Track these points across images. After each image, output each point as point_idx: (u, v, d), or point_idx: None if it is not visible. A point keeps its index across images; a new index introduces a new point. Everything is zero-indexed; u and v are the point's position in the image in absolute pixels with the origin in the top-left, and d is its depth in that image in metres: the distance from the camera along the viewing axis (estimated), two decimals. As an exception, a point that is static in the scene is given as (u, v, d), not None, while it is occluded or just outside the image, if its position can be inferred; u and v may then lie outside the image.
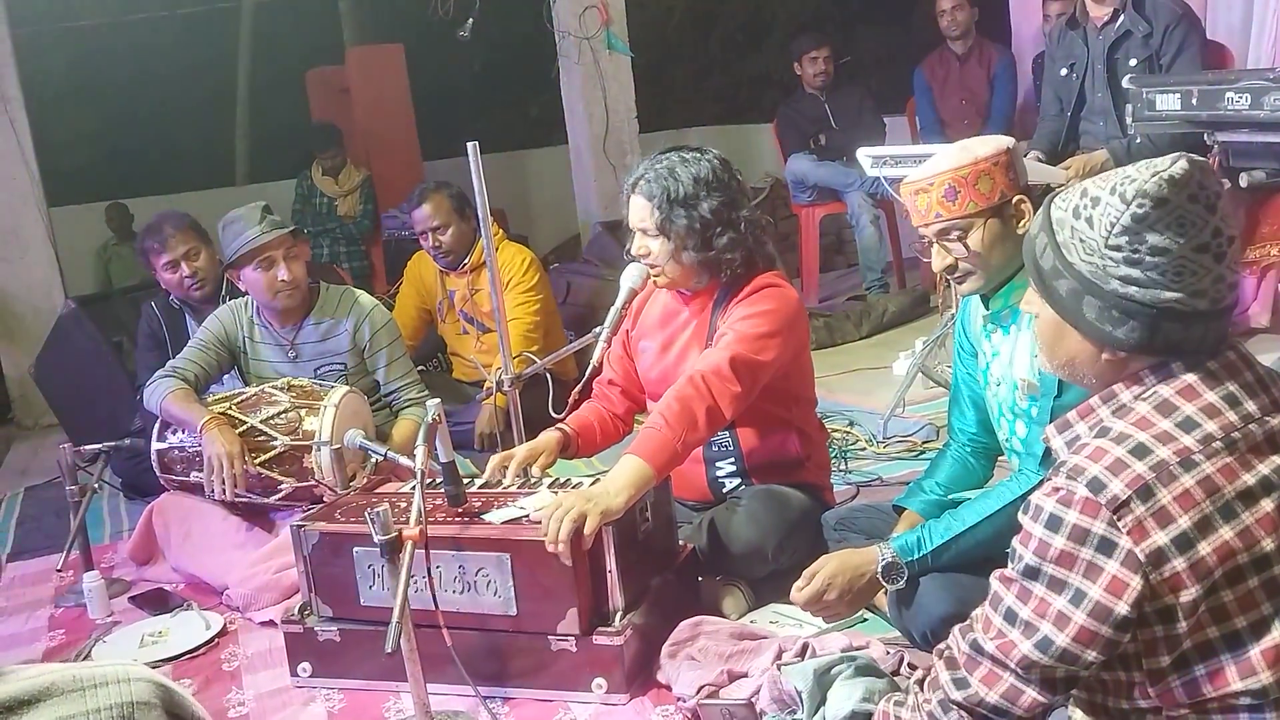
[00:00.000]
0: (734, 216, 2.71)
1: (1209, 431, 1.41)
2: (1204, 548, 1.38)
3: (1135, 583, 1.38)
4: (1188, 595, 1.37)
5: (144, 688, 0.94)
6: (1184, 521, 1.38)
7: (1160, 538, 1.37)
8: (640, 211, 2.73)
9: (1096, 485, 1.40)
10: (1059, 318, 1.52)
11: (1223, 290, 1.44)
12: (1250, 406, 1.44)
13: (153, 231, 4.04)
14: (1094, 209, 1.45)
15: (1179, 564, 1.37)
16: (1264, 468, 1.41)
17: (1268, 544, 1.39)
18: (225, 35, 11.97)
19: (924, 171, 2.33)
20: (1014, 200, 2.28)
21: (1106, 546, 1.39)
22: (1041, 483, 2.22)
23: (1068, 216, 1.48)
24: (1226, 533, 1.38)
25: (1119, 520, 1.38)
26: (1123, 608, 1.38)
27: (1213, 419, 1.42)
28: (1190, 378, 1.46)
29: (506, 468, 2.67)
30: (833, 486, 3.08)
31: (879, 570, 2.37)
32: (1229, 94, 3.45)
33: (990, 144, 2.31)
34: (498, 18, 6.83)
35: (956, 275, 2.37)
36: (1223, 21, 4.82)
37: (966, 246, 2.30)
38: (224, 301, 3.99)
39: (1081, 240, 1.46)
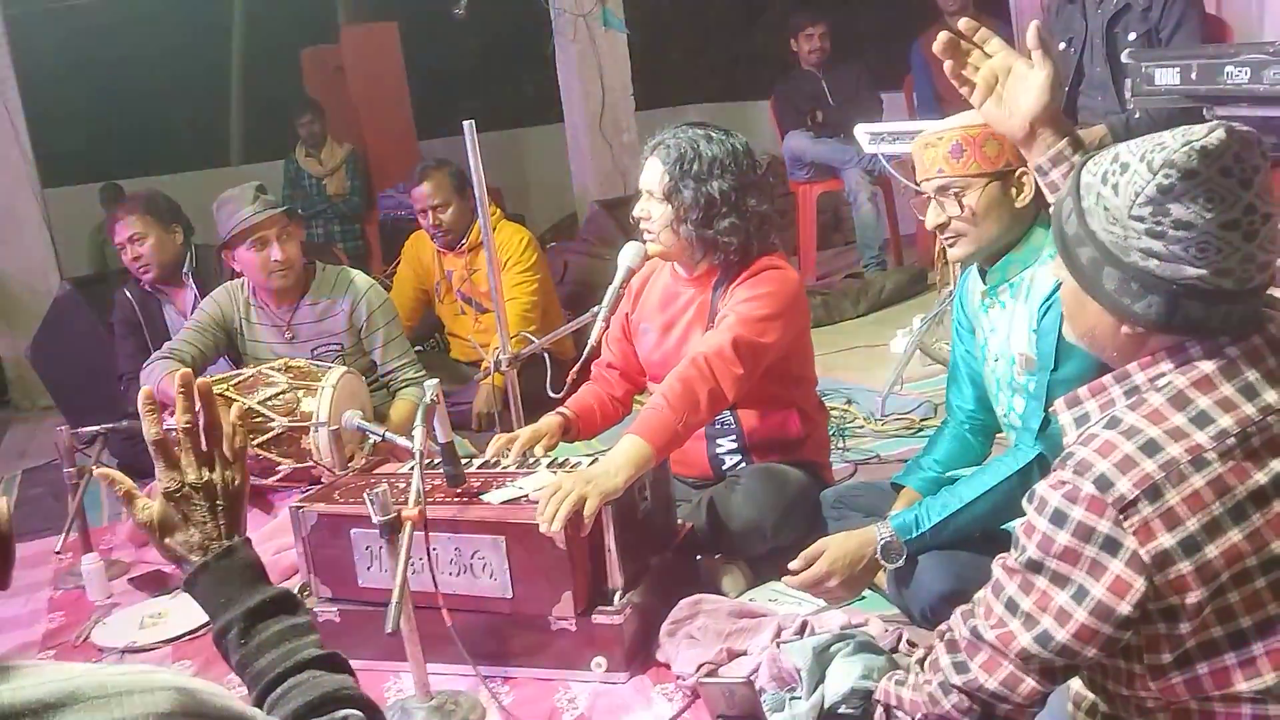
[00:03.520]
0: (742, 204, 2.70)
1: (1224, 427, 1.36)
2: (1211, 551, 1.34)
3: (1139, 584, 1.35)
4: (1193, 597, 1.34)
5: (166, 697, 0.94)
6: (1192, 524, 1.34)
7: (1167, 540, 1.34)
8: (652, 173, 2.74)
9: (1104, 483, 1.35)
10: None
11: (1251, 270, 1.36)
12: (1270, 397, 1.38)
13: (113, 214, 4.04)
14: (1121, 175, 1.38)
15: (1185, 567, 1.34)
16: (1278, 464, 1.36)
17: (1277, 546, 1.36)
18: (219, 14, 11.88)
19: (937, 126, 2.35)
20: (1017, 172, 2.27)
21: (1111, 546, 1.35)
22: (1039, 459, 2.26)
23: (1095, 181, 1.41)
24: (1235, 535, 1.34)
25: (1125, 520, 1.34)
26: (1125, 607, 1.36)
27: (1228, 413, 1.37)
28: (1208, 366, 1.39)
29: (509, 449, 2.66)
30: (831, 465, 3.09)
31: (878, 550, 2.38)
32: (1228, 68, 3.41)
33: None
34: (493, -5, 6.79)
35: (948, 236, 2.37)
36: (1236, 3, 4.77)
37: (962, 205, 2.30)
38: (188, 281, 3.98)
39: (1105, 208, 1.39)
